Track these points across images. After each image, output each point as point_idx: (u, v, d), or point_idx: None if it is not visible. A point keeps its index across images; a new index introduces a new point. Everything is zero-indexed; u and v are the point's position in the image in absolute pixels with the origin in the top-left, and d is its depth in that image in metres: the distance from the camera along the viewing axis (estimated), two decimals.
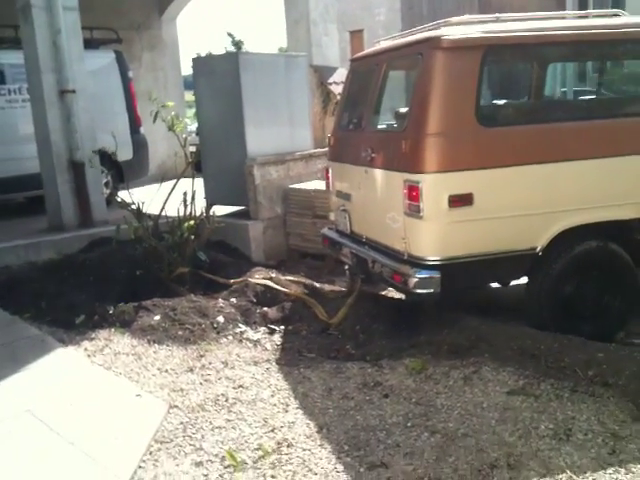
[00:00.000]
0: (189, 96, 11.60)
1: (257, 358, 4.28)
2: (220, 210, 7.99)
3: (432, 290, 4.08)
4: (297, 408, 3.56)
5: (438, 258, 4.09)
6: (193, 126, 14.14)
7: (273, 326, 4.88)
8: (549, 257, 4.27)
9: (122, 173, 9.34)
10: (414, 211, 4.07)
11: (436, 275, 4.05)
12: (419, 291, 4.10)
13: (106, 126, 8.86)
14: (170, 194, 6.20)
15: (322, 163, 7.96)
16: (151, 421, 3.47)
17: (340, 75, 10.36)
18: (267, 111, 7.61)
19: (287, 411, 3.53)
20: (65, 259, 6.46)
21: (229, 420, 3.45)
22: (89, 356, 4.45)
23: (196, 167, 12.46)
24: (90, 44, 8.74)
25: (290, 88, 7.85)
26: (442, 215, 4.03)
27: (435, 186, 4.00)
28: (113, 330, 4.81)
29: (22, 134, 8.50)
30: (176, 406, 3.63)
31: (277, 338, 4.70)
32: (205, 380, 3.95)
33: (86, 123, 7.42)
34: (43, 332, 4.94)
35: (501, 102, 4.73)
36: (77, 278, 5.89)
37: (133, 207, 6.00)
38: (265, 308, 5.15)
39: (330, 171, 5.57)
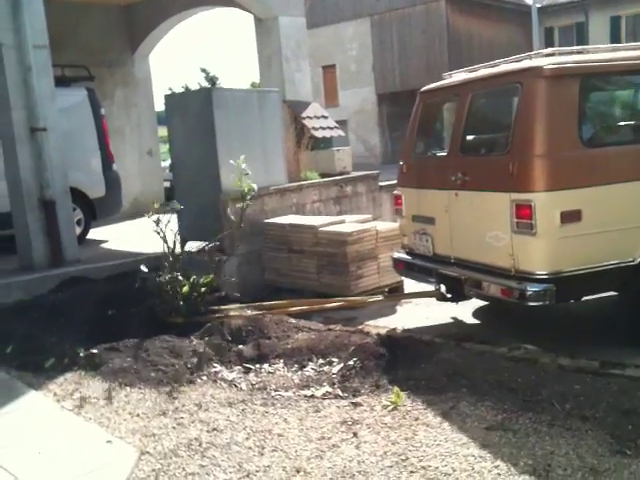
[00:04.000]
0: (163, 132, 11.60)
1: (232, 399, 4.19)
2: (195, 246, 7.94)
3: (547, 302, 4.35)
4: (273, 451, 3.47)
5: (547, 272, 4.38)
6: (167, 162, 14.09)
7: (249, 365, 4.79)
8: None
9: (94, 210, 9.24)
10: (525, 228, 4.37)
11: (552, 288, 4.32)
12: (533, 304, 4.38)
13: (78, 163, 8.81)
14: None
15: (296, 197, 7.98)
16: (122, 469, 3.36)
17: (313, 109, 10.43)
18: (241, 146, 7.59)
19: (262, 454, 3.44)
20: (35, 300, 6.32)
21: (203, 466, 3.35)
22: (58, 401, 4.33)
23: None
24: (61, 82, 8.71)
25: (263, 123, 7.88)
26: (555, 231, 4.34)
27: (548, 203, 4.32)
28: (83, 373, 4.68)
29: None
30: (148, 452, 3.52)
31: (253, 377, 4.61)
32: (178, 424, 3.85)
33: (57, 161, 7.34)
34: (11, 376, 4.81)
35: (600, 125, 5.11)
36: (47, 320, 5.75)
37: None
38: (241, 346, 5.06)
39: (403, 197, 5.79)
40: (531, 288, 4.35)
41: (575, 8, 25.39)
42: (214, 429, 3.75)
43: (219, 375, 4.62)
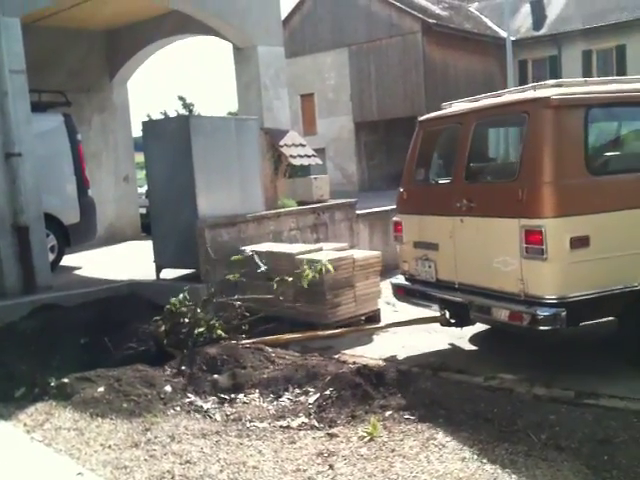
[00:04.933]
0: (139, 158, 11.56)
1: (206, 430, 4.11)
2: (170, 273, 7.88)
3: (558, 326, 4.39)
4: None
5: (557, 296, 4.45)
6: (143, 188, 14.01)
7: (224, 395, 4.72)
8: None
9: (68, 237, 9.14)
10: (535, 253, 4.43)
11: (563, 312, 4.37)
12: (544, 328, 4.40)
13: (53, 189, 8.73)
14: None
15: (274, 225, 7.97)
16: None
17: (291, 137, 10.50)
18: (218, 173, 7.62)
19: None
20: (6, 327, 6.20)
21: None
22: (28, 432, 4.22)
23: (145, 229, 12.30)
24: (38, 107, 8.66)
25: (241, 151, 7.90)
26: (565, 256, 4.42)
27: (558, 229, 4.41)
28: (54, 403, 4.58)
29: None
30: None
31: (227, 408, 4.54)
32: (150, 456, 3.76)
33: (32, 186, 7.28)
34: None
35: (605, 154, 5.21)
36: (18, 347, 5.63)
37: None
38: (216, 375, 4.99)
39: (404, 224, 5.80)
40: (542, 312, 4.39)
41: (549, 42, 26.08)
42: (187, 461, 3.68)
43: (193, 405, 4.55)
